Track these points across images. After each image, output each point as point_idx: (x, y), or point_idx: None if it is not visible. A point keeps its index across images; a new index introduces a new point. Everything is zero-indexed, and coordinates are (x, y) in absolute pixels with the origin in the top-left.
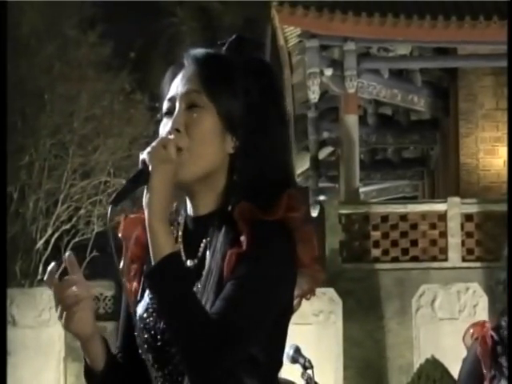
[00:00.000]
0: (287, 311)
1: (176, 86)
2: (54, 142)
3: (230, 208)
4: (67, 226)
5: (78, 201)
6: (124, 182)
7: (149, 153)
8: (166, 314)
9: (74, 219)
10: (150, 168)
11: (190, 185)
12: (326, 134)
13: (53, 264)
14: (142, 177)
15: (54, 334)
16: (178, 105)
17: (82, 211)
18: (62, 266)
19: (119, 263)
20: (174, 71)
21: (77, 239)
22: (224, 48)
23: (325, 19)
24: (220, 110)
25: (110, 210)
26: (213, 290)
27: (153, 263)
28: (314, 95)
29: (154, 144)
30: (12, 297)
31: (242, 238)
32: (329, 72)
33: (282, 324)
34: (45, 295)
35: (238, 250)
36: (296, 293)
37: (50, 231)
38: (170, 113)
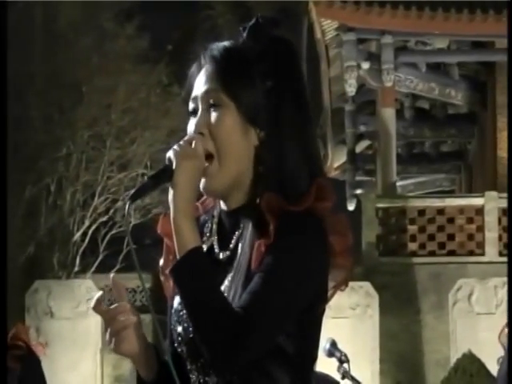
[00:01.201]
0: (318, 302)
1: (198, 86)
2: (91, 134)
3: (258, 200)
4: (104, 218)
5: (115, 193)
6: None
7: (174, 149)
8: (189, 307)
9: (111, 211)
10: (174, 164)
11: (221, 192)
12: (362, 128)
13: (100, 293)
14: (164, 174)
15: (91, 325)
16: (199, 106)
17: (119, 203)
18: (99, 294)
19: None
20: (196, 68)
21: (114, 231)
22: (244, 34)
23: (362, 12)
24: (240, 106)
25: (127, 205)
26: (241, 281)
27: (178, 257)
28: (351, 88)
29: (180, 142)
30: (49, 288)
31: (270, 230)
32: (366, 65)
33: (313, 315)
34: (82, 287)
35: (265, 242)
36: (330, 284)
37: (87, 223)
38: (194, 113)
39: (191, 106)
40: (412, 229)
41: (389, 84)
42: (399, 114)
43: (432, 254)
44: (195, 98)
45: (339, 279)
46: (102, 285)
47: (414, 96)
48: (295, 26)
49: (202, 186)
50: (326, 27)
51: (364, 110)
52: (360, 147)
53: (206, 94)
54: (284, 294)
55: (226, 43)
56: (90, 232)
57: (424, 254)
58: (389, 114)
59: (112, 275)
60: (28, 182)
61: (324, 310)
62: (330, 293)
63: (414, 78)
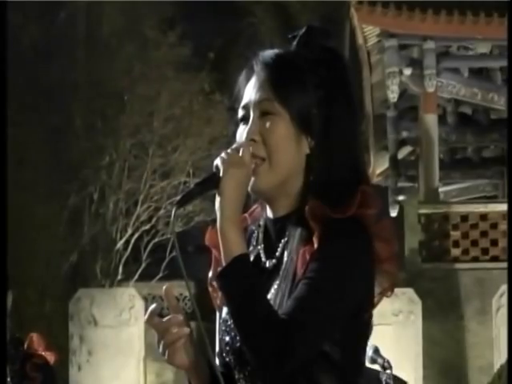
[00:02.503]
0: (364, 308)
1: (249, 93)
2: (133, 142)
3: (304, 207)
4: (147, 227)
5: (158, 201)
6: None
7: (221, 157)
8: (235, 314)
9: (154, 219)
10: (221, 172)
11: (268, 192)
12: (405, 134)
13: (154, 305)
14: (211, 181)
15: (134, 333)
16: (251, 113)
17: (162, 212)
18: (156, 306)
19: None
20: (246, 75)
21: (156, 239)
22: (294, 42)
23: (404, 18)
24: (293, 116)
25: (174, 211)
26: (287, 288)
27: (223, 263)
28: (393, 94)
29: (228, 150)
30: (92, 297)
31: (315, 237)
32: (408, 71)
33: (360, 321)
34: (125, 295)
35: (310, 249)
36: (377, 290)
37: (129, 231)
38: (245, 120)
39: (241, 113)
40: (455, 234)
41: (431, 89)
42: (441, 119)
43: (475, 259)
44: (246, 106)
45: (385, 285)
46: (144, 293)
47: (456, 101)
48: (337, 33)
49: (250, 185)
50: (368, 33)
51: (406, 116)
52: (402, 153)
53: (259, 102)
54: (329, 300)
55: (278, 51)
56: (133, 240)
57: (467, 259)
58: (431, 119)
59: (165, 286)
60: (71, 191)
61: (371, 316)
62: (376, 299)
63: (457, 83)
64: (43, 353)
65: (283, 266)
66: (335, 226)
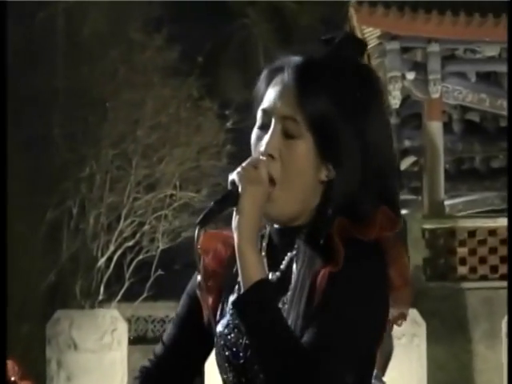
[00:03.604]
0: (380, 338)
1: (273, 99)
2: (116, 152)
3: (322, 223)
4: (130, 243)
5: (142, 216)
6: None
7: (238, 173)
8: (255, 344)
9: (138, 235)
10: (240, 189)
11: (279, 220)
12: (407, 143)
13: None
14: (230, 198)
15: (117, 358)
16: (273, 124)
17: (147, 227)
18: None
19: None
20: (270, 75)
21: (141, 257)
22: (329, 49)
23: (407, 19)
24: (318, 140)
25: (197, 231)
26: (302, 309)
27: (242, 288)
28: (395, 101)
29: (244, 164)
30: (72, 319)
31: (338, 257)
32: (411, 76)
33: (373, 351)
34: (107, 317)
35: (332, 269)
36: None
37: (112, 248)
38: (263, 126)
39: (261, 117)
40: (462, 251)
41: (436, 95)
42: (447, 127)
43: (484, 278)
44: (268, 112)
45: (396, 314)
46: (128, 314)
47: (462, 108)
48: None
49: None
50: (368, 35)
51: (409, 124)
52: (405, 164)
53: (284, 117)
54: (354, 330)
55: (311, 62)
56: (116, 258)
57: (475, 278)
58: (436, 127)
59: None
60: (49, 205)
61: (379, 346)
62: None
63: (463, 88)
64: (18, 382)
65: (293, 282)
66: (357, 247)
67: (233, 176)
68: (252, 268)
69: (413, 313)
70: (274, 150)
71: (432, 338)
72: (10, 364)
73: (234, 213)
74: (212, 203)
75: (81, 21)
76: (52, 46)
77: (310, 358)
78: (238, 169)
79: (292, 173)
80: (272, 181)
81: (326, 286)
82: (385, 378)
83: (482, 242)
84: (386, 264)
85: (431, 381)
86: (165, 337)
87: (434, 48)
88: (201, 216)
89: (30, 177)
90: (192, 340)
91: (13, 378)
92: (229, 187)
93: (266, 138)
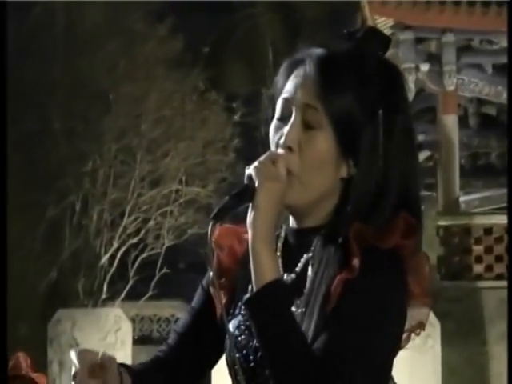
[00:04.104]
0: (396, 347)
1: (294, 89)
2: (119, 147)
3: (339, 226)
4: (134, 240)
5: (147, 212)
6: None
7: (256, 168)
8: (264, 345)
9: (143, 232)
10: (257, 184)
11: (293, 208)
12: (422, 137)
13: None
14: (246, 193)
15: (121, 358)
16: (293, 116)
17: (151, 223)
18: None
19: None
20: (290, 67)
21: (145, 254)
22: (351, 43)
23: (421, 9)
24: (339, 133)
25: (210, 226)
26: (316, 314)
27: (254, 288)
28: (408, 93)
29: (261, 158)
30: (74, 318)
31: (354, 263)
32: (425, 67)
33: (389, 361)
34: (110, 316)
35: (348, 276)
36: (404, 327)
37: (115, 245)
38: (283, 116)
39: (281, 108)
40: (477, 249)
41: (451, 88)
42: (462, 121)
43: (500, 277)
44: (287, 102)
45: (414, 323)
46: (132, 314)
47: (479, 101)
48: (346, 26)
49: None
50: (381, 25)
51: (423, 118)
52: (419, 159)
53: (304, 108)
54: (370, 340)
55: (334, 54)
56: (119, 255)
57: (491, 277)
58: (451, 121)
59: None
60: (50, 202)
61: (396, 355)
62: (404, 336)
63: (479, 80)
64: (32, 374)
65: (308, 286)
66: (375, 255)
67: (250, 170)
68: (265, 267)
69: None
70: (294, 142)
71: (446, 339)
72: (21, 356)
73: (250, 209)
74: (227, 197)
75: (80, 12)
76: (51, 38)
77: (321, 365)
78: (256, 163)
79: (311, 165)
80: (292, 172)
81: (341, 293)
82: (398, 380)
83: (499, 240)
84: (404, 273)
85: (445, 383)
86: (178, 326)
87: (449, 38)
88: (215, 210)
89: (29, 174)
90: (205, 333)
91: (24, 372)
92: (245, 181)
93: (286, 129)
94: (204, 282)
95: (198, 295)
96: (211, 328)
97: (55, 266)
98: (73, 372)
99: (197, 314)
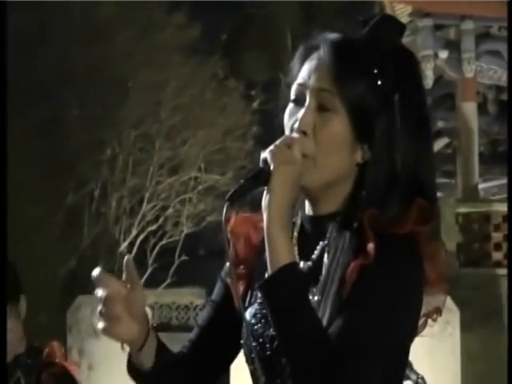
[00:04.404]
0: (412, 333)
1: (308, 74)
2: (138, 134)
3: (354, 212)
4: (153, 227)
5: (166, 199)
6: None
7: (271, 151)
8: (278, 329)
9: (161, 219)
10: (272, 168)
11: (309, 191)
12: (440, 124)
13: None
14: (262, 176)
15: None
16: (307, 100)
17: (170, 210)
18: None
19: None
20: (306, 52)
21: (164, 241)
22: (366, 30)
23: None
24: (353, 118)
25: (225, 207)
26: (331, 300)
27: (269, 272)
28: (427, 80)
29: (277, 142)
30: (93, 305)
31: (369, 249)
32: (444, 54)
33: (405, 347)
34: None
35: (363, 262)
36: (421, 313)
37: (134, 232)
38: (297, 100)
39: (296, 90)
40: (496, 236)
41: (470, 75)
42: (481, 108)
43: None
44: (303, 85)
45: (431, 308)
46: (151, 301)
47: (498, 88)
48: (364, 12)
49: None
50: (399, 12)
51: (442, 105)
52: (438, 146)
53: (319, 91)
54: (382, 325)
55: (348, 38)
56: (138, 242)
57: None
58: (470, 108)
59: (127, 257)
60: (68, 189)
61: (413, 341)
62: (420, 322)
63: (498, 67)
64: (65, 363)
65: (324, 273)
66: (390, 241)
67: (265, 154)
68: (281, 250)
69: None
70: (308, 126)
71: (466, 326)
72: (56, 345)
73: (265, 192)
74: (242, 180)
75: None
76: (68, 24)
77: (336, 350)
78: (271, 147)
79: (326, 147)
80: (307, 156)
81: (356, 279)
82: (417, 367)
83: None
84: (420, 259)
85: (465, 371)
86: (199, 320)
87: (468, 25)
88: (230, 192)
89: (48, 160)
90: (226, 325)
91: (57, 360)
92: (261, 165)
93: (300, 113)
94: (223, 273)
95: (217, 288)
96: (232, 320)
97: (74, 253)
98: (99, 294)
99: (217, 307)
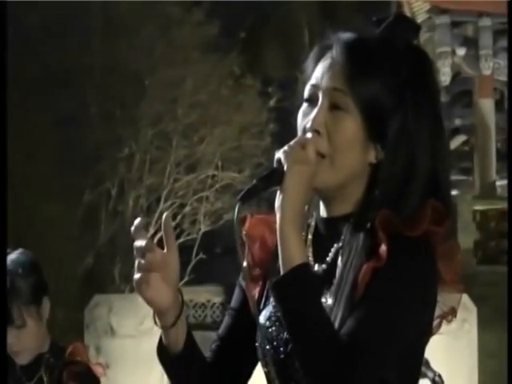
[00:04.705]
0: (426, 334)
1: (321, 74)
2: (155, 132)
3: (368, 213)
4: None
5: (183, 197)
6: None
7: (285, 152)
8: (291, 329)
9: (179, 217)
10: (285, 168)
11: (324, 191)
12: (458, 121)
13: (139, 219)
14: (275, 176)
15: (156, 344)
16: (320, 99)
17: (187, 209)
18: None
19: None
20: (320, 52)
21: (181, 240)
22: (379, 29)
23: None
24: (366, 117)
25: (237, 207)
26: (344, 303)
27: (282, 272)
28: (444, 77)
29: (291, 143)
30: (110, 303)
31: (382, 251)
32: (461, 51)
33: (419, 347)
34: None
35: (375, 264)
36: (436, 313)
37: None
38: (310, 101)
39: (309, 91)
40: None
41: (487, 72)
42: (499, 105)
43: None
44: (316, 86)
45: (446, 309)
46: None
47: None
48: (382, 9)
49: None
50: (417, 9)
51: (459, 102)
52: (455, 143)
53: (331, 91)
54: (395, 325)
55: (362, 37)
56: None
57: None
58: (487, 105)
59: (165, 215)
60: (86, 187)
61: (428, 341)
62: (435, 322)
63: None
64: (89, 363)
65: (338, 276)
66: (403, 243)
67: (279, 154)
68: (293, 250)
69: (463, 297)
70: (321, 125)
71: (483, 324)
72: (80, 346)
73: (278, 192)
74: (255, 180)
75: None
76: (87, 22)
77: (347, 350)
78: (285, 147)
79: (340, 146)
80: (321, 155)
81: (369, 281)
82: (435, 364)
83: None
84: (434, 260)
85: (482, 369)
86: (220, 330)
87: (486, 22)
88: (243, 192)
89: (66, 158)
90: (246, 331)
91: (79, 358)
92: (274, 165)
93: (313, 113)
94: (240, 279)
95: (235, 294)
96: (251, 326)
97: (92, 251)
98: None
99: (236, 314)
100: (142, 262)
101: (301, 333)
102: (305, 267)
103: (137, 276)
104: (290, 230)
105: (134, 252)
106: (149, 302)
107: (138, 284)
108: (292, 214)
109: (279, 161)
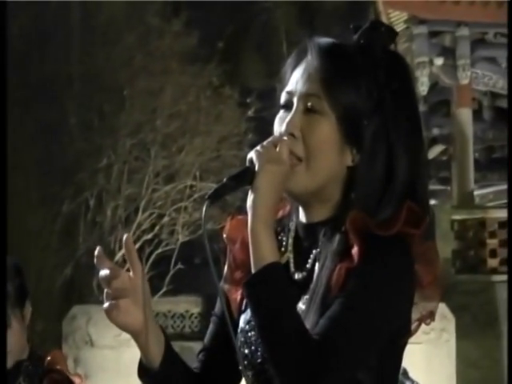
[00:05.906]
0: (402, 334)
1: (296, 80)
2: (134, 142)
3: (344, 217)
4: (149, 236)
5: (161, 207)
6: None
7: (257, 151)
8: (261, 328)
9: (157, 228)
10: (257, 167)
11: (302, 196)
12: (436, 131)
13: (98, 248)
14: (246, 175)
15: (136, 355)
16: (295, 104)
17: (166, 219)
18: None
19: (221, 271)
20: (297, 58)
21: (160, 250)
22: (356, 36)
23: (435, 2)
24: (341, 120)
25: (205, 205)
26: (318, 305)
27: (253, 271)
28: (422, 87)
29: (264, 142)
30: (89, 314)
31: (354, 252)
32: (439, 61)
33: (396, 348)
34: None
35: (348, 265)
36: (414, 316)
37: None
38: (286, 107)
39: (285, 98)
40: (492, 243)
41: (465, 81)
42: (477, 114)
43: None
44: (291, 93)
45: (424, 312)
46: None
47: (493, 94)
48: (360, 19)
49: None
50: (395, 19)
51: (437, 111)
52: (433, 152)
53: (307, 95)
54: (366, 323)
55: (336, 42)
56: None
57: (505, 271)
58: (465, 114)
59: (126, 236)
60: (65, 197)
61: (406, 343)
62: (413, 326)
63: (493, 74)
64: (68, 373)
65: (314, 280)
66: (377, 242)
67: (251, 154)
68: (264, 250)
69: (441, 307)
70: (295, 128)
71: (461, 333)
72: (59, 354)
73: (250, 192)
74: (225, 178)
75: (96, 5)
76: (66, 31)
77: (320, 350)
78: (258, 147)
79: (315, 150)
80: (295, 157)
81: (342, 282)
82: (414, 374)
83: None
84: (411, 261)
85: (461, 378)
86: (205, 339)
87: (464, 32)
88: (212, 190)
89: (45, 168)
90: (230, 339)
91: (58, 367)
92: (247, 164)
93: (288, 117)
94: (222, 283)
95: (218, 300)
96: (237, 332)
97: (71, 262)
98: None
99: (220, 321)
100: (109, 291)
101: (270, 331)
102: (276, 266)
103: (106, 305)
104: (262, 229)
105: (100, 281)
106: (121, 327)
107: (108, 312)
108: (263, 213)
109: (251, 161)
